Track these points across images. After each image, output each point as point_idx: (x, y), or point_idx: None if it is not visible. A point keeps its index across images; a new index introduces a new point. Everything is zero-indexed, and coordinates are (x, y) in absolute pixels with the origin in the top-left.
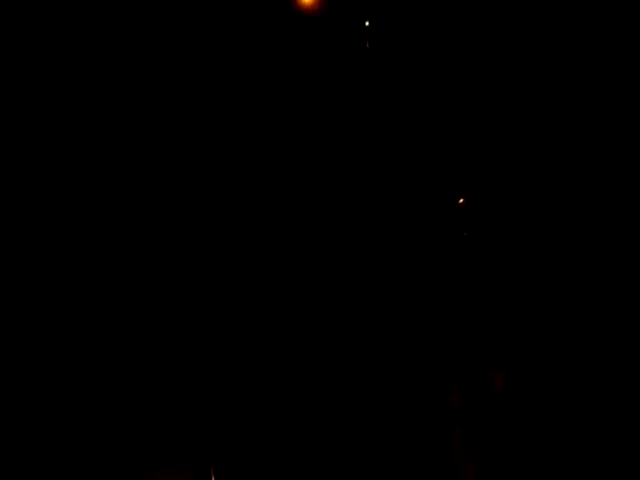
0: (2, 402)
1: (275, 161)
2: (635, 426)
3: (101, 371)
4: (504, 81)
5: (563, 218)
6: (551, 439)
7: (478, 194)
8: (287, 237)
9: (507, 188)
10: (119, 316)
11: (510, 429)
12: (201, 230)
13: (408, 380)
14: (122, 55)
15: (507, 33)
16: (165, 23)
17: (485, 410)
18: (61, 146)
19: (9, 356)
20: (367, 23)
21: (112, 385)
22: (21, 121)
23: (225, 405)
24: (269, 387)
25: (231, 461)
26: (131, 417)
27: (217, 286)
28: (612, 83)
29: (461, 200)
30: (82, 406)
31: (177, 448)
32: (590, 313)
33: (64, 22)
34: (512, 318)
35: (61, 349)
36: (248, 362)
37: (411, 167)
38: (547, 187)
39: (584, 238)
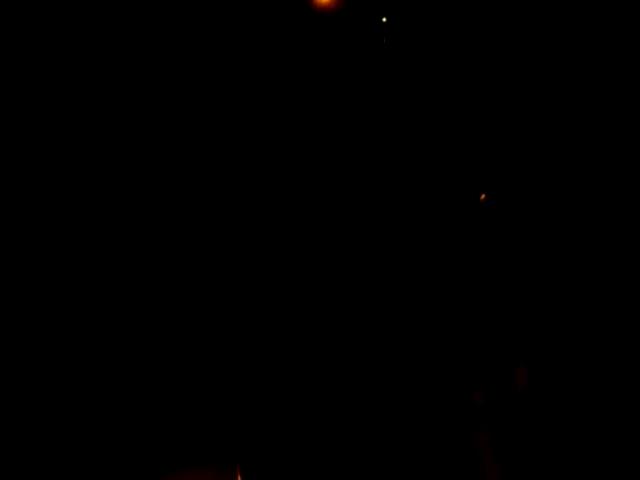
0: (21, 400)
1: (287, 156)
2: None
3: (124, 373)
4: (523, 76)
5: (587, 214)
6: (573, 435)
7: (499, 191)
8: (292, 236)
9: (527, 185)
10: (139, 317)
11: (534, 425)
12: (203, 231)
13: (431, 378)
14: (131, 55)
15: (528, 30)
16: (181, 20)
17: (508, 406)
18: (61, 146)
19: (19, 358)
20: (384, 19)
21: (135, 387)
22: (21, 121)
23: (251, 406)
24: (295, 389)
25: (258, 460)
26: (157, 417)
27: (234, 291)
28: (616, 82)
29: (483, 196)
30: (104, 408)
31: (203, 448)
32: (610, 309)
33: (64, 22)
34: (533, 314)
35: (79, 352)
36: (273, 364)
37: (430, 162)
38: (567, 184)
39: (605, 237)
